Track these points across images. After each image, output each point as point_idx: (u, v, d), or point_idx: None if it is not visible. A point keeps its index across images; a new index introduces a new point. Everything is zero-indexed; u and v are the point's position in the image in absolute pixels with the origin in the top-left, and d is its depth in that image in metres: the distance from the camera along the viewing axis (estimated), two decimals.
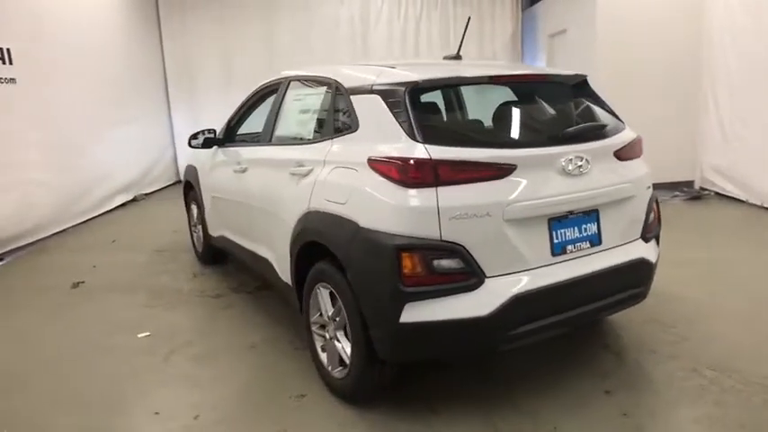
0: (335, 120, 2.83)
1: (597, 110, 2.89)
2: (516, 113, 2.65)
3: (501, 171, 2.33)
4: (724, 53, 6.29)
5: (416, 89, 2.47)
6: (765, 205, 5.85)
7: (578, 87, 2.94)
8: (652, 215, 2.88)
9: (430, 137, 2.34)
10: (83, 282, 4.57)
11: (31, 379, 3.06)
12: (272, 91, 3.77)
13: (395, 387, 2.69)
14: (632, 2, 6.53)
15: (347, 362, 2.60)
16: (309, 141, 3.00)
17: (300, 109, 3.22)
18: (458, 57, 3.12)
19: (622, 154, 2.74)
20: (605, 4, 6.47)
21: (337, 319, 2.66)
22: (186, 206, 5.22)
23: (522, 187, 2.35)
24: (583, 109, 2.86)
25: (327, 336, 2.76)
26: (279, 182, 3.11)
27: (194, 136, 4.23)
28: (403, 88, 2.46)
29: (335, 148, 2.70)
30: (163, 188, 8.88)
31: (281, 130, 3.38)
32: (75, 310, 4.03)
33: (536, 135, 2.56)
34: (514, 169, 2.35)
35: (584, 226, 2.56)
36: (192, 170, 4.79)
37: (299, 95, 3.29)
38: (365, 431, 2.49)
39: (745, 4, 5.95)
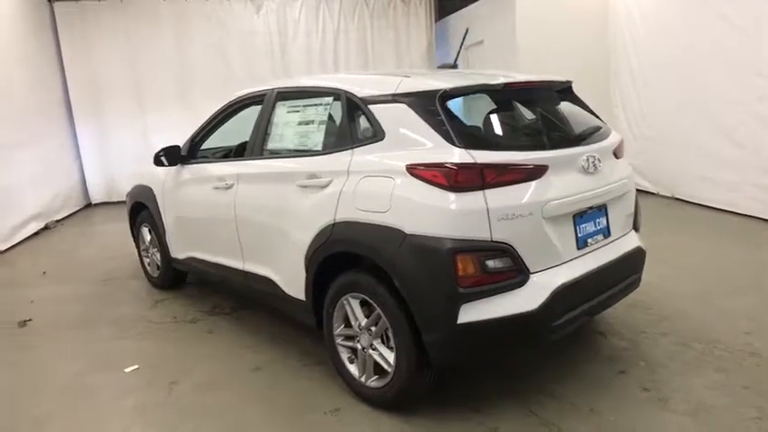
0: (352, 130, 2.82)
1: (585, 112, 3.15)
2: (535, 118, 2.82)
3: (537, 172, 2.47)
4: (627, 58, 7.01)
5: (446, 96, 2.55)
6: (675, 196, 6.58)
7: (567, 92, 3.17)
8: (637, 208, 3.18)
9: (468, 142, 2.43)
10: (29, 320, 4.10)
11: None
12: (250, 104, 3.65)
13: (433, 392, 2.73)
14: (546, 13, 7.05)
15: (389, 370, 2.60)
16: (319, 153, 2.95)
17: (300, 120, 3.15)
18: (454, 66, 3.24)
19: (618, 153, 3.01)
20: (522, 18, 6.94)
21: (373, 328, 2.65)
22: (134, 230, 4.86)
23: (554, 186, 2.51)
24: (576, 112, 3.09)
25: (360, 346, 2.74)
26: (284, 195, 3.03)
27: (161, 153, 3.96)
28: (434, 96, 2.53)
29: (359, 157, 2.70)
30: (73, 213, 8.13)
31: (275, 142, 3.29)
32: (36, 351, 3.62)
33: (558, 137, 2.74)
34: (546, 170, 2.50)
35: (597, 220, 2.78)
36: (143, 191, 4.48)
37: (294, 107, 3.22)
38: None
39: (644, 12, 6.67)
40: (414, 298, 2.40)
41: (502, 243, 2.35)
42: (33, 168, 7.03)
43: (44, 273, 5.30)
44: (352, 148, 2.77)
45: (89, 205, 8.73)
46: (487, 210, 2.32)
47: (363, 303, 2.70)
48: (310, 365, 3.20)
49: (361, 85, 2.87)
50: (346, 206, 2.66)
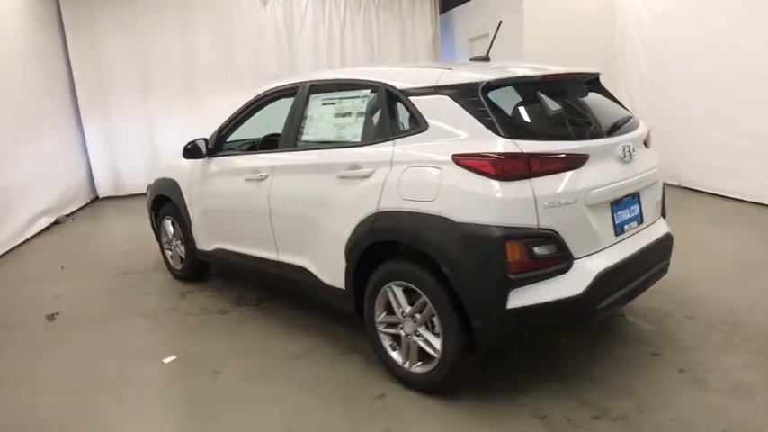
0: (392, 121, 2.88)
1: (613, 103, 3.22)
2: (571, 108, 2.88)
3: (579, 161, 2.55)
4: (634, 51, 7.11)
5: (488, 88, 2.61)
6: (682, 185, 6.70)
7: (595, 83, 3.24)
8: (663, 195, 3.27)
9: (513, 132, 2.50)
10: (57, 313, 4.13)
11: (70, 424, 2.77)
12: (280, 97, 3.70)
13: (476, 375, 2.81)
14: (554, 7, 7.13)
15: (434, 355, 2.67)
16: (358, 144, 3.01)
17: (336, 113, 3.20)
18: (486, 58, 3.30)
19: (647, 142, 3.09)
20: (530, 9, 7.01)
21: (417, 315, 2.72)
22: (155, 223, 4.89)
23: (595, 175, 2.59)
24: (605, 102, 3.17)
25: (403, 333, 2.80)
26: (323, 186, 3.09)
27: (190, 146, 3.99)
28: (477, 88, 2.59)
29: (402, 148, 2.75)
30: (81, 207, 8.12)
31: (310, 134, 3.34)
32: (72, 344, 3.65)
33: (595, 127, 2.81)
34: (587, 159, 2.57)
35: (631, 207, 2.86)
36: (167, 184, 4.51)
37: (329, 99, 3.27)
38: (464, 419, 2.58)
39: (651, 8, 6.77)
40: (463, 285, 2.47)
41: (548, 230, 2.43)
42: (42, 163, 7.01)
43: (62, 267, 5.31)
44: (393, 139, 2.82)
45: (96, 199, 8.72)
46: (535, 198, 2.39)
47: (407, 291, 2.77)
48: (347, 353, 3.27)
49: (400, 78, 2.92)
50: (390, 196, 2.72)
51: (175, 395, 2.95)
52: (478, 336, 2.50)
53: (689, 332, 3.24)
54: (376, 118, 2.99)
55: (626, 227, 2.79)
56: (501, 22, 3.43)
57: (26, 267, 5.46)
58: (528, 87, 2.84)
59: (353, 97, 3.13)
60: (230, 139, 4.18)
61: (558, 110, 2.81)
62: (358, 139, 3.03)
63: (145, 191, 5.17)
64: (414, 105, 2.77)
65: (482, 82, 2.61)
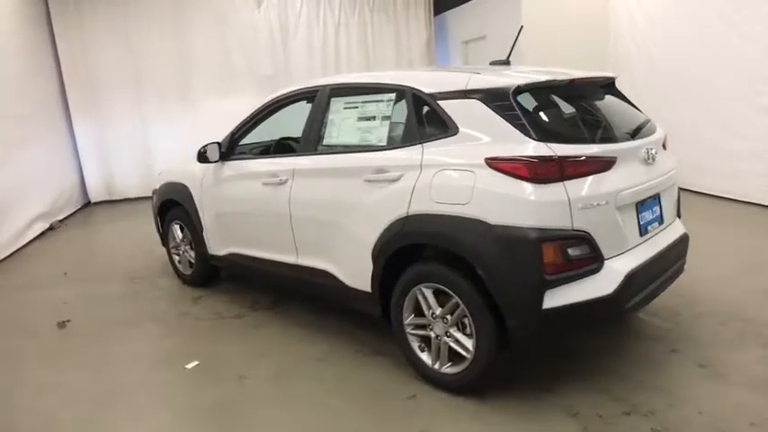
0: (421, 125, 2.91)
1: (629, 106, 3.30)
2: (597, 111, 2.95)
3: (608, 164, 2.61)
4: (628, 53, 7.25)
5: (519, 92, 2.67)
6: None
7: (611, 87, 3.32)
8: (678, 196, 3.36)
9: (544, 136, 2.55)
10: (68, 320, 4.08)
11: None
12: (296, 101, 3.72)
13: (502, 375, 2.86)
14: (551, 10, 7.24)
15: (466, 356, 2.71)
16: (384, 148, 3.03)
17: (359, 116, 3.22)
18: (507, 62, 3.36)
19: (665, 144, 3.18)
20: (528, 12, 7.10)
21: (449, 316, 2.76)
22: (162, 228, 4.85)
23: (623, 177, 2.66)
24: (623, 105, 3.24)
25: (433, 334, 2.84)
26: (348, 190, 3.11)
27: (204, 150, 3.98)
28: (507, 92, 2.64)
29: (431, 152, 2.79)
30: (74, 213, 8.00)
31: (332, 138, 3.35)
32: (90, 351, 3.60)
33: (620, 130, 2.88)
34: (615, 161, 2.64)
35: (653, 208, 2.94)
36: (176, 188, 4.49)
37: (352, 103, 3.28)
38: (498, 418, 2.63)
39: (645, 10, 6.92)
40: (499, 286, 2.52)
41: (581, 231, 2.49)
42: (34, 168, 6.87)
43: (65, 273, 5.24)
44: (421, 142, 2.86)
45: (88, 204, 8.59)
46: (569, 200, 2.45)
47: (436, 292, 2.80)
48: (369, 355, 3.30)
49: (427, 82, 2.96)
50: (421, 199, 2.75)
51: (206, 400, 2.94)
52: (513, 335, 2.55)
53: (702, 329, 3.33)
54: (402, 122, 3.02)
55: (649, 227, 2.87)
56: (522, 27, 3.49)
57: (28, 274, 5.36)
58: (554, 91, 2.90)
59: (378, 101, 3.15)
60: (242, 142, 4.16)
61: (584, 113, 2.87)
62: (384, 143, 3.06)
63: (150, 194, 5.12)
64: (442, 109, 2.81)
65: (513, 86, 2.66)
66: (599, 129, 2.81)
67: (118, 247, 6.14)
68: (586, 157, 2.56)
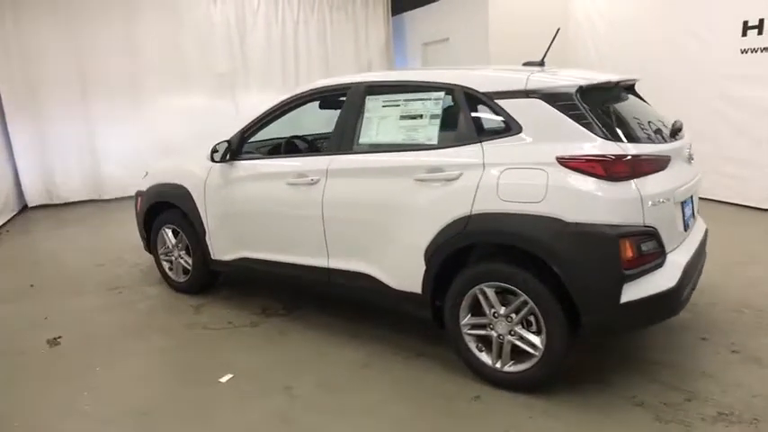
0: (477, 124, 2.90)
1: (651, 108, 3.46)
2: (638, 112, 3.06)
3: (666, 162, 2.73)
4: (588, 59, 7.60)
5: (582, 91, 2.72)
6: None
7: (632, 89, 3.46)
8: None
9: (612, 135, 2.62)
10: (59, 337, 3.70)
11: None
12: (319, 98, 3.59)
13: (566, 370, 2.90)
14: (513, 12, 7.43)
15: (534, 353, 2.73)
16: (436, 147, 2.98)
17: (402, 115, 3.15)
18: (541, 63, 3.40)
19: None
20: (495, 17, 7.27)
21: (513, 315, 2.76)
22: (149, 233, 4.51)
23: (676, 175, 2.78)
24: (648, 106, 3.39)
25: (495, 334, 2.83)
26: (396, 190, 3.03)
27: (216, 149, 3.74)
28: (571, 91, 2.69)
29: (494, 150, 2.78)
30: (11, 218, 7.27)
31: (370, 137, 3.25)
32: (91, 369, 3.25)
33: (666, 130, 3.00)
34: (670, 160, 2.76)
35: (690, 205, 3.10)
36: (172, 190, 4.19)
37: (392, 101, 3.20)
38: (570, 413, 2.65)
39: (606, 17, 7.29)
40: (576, 282, 2.55)
41: (650, 227, 2.57)
42: None
43: (32, 285, 4.75)
44: (479, 141, 2.84)
45: (25, 208, 7.85)
46: (641, 197, 2.53)
47: (498, 291, 2.80)
48: (412, 358, 3.24)
49: (479, 81, 2.94)
50: (487, 198, 2.73)
51: (257, 415, 2.76)
52: (589, 330, 2.60)
53: (718, 317, 3.55)
54: (454, 120, 2.99)
55: (689, 222, 3.02)
56: (559, 29, 3.55)
57: None
58: (606, 92, 2.99)
59: (424, 99, 3.10)
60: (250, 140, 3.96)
61: (632, 113, 2.97)
62: (434, 142, 3.01)
63: (135, 197, 4.73)
64: (502, 108, 2.81)
65: (576, 85, 2.70)
66: (650, 129, 2.92)
67: (79, 254, 5.63)
68: (651, 155, 2.65)
